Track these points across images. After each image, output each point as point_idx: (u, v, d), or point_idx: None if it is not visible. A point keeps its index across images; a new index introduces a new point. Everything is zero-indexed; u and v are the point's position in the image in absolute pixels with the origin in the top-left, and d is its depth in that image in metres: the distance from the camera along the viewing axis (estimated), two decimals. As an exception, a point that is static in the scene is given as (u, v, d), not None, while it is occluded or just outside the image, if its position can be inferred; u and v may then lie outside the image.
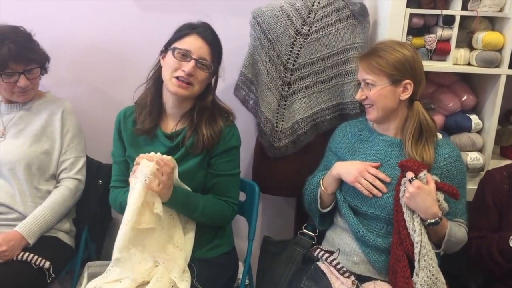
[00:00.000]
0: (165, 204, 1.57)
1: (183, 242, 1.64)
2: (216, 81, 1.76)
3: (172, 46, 1.65)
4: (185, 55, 1.62)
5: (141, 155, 1.53)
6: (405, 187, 1.56)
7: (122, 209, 1.73)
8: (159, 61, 1.71)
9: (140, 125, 1.72)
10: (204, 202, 1.67)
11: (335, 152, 1.82)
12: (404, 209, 1.56)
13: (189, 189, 1.66)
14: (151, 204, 1.53)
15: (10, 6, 2.22)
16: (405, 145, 1.65)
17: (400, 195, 1.58)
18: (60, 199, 1.89)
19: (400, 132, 1.71)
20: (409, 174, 1.55)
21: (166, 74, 1.65)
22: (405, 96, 1.65)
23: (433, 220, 1.54)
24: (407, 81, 1.63)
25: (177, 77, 1.62)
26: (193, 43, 1.63)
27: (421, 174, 1.54)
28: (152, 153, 1.53)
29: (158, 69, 1.72)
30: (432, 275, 1.52)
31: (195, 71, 1.62)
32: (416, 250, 1.52)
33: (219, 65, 1.73)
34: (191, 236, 1.68)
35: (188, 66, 1.60)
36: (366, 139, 1.76)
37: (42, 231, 1.83)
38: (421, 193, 1.52)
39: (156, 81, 1.73)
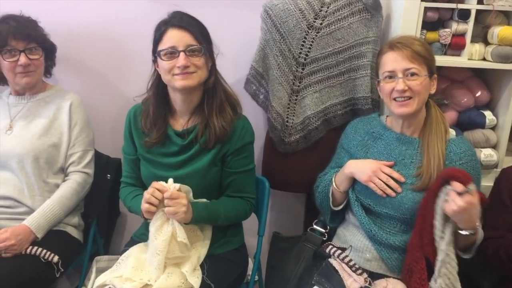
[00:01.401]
0: (189, 223, 1.58)
1: (200, 245, 1.65)
2: (213, 59, 1.69)
3: (157, 51, 1.62)
4: (172, 53, 1.58)
5: (153, 184, 1.53)
6: (448, 196, 1.47)
7: (131, 212, 1.76)
8: (155, 70, 1.68)
9: (148, 138, 1.70)
10: (224, 208, 1.67)
11: (347, 149, 1.79)
12: (438, 216, 1.50)
13: (204, 200, 1.65)
14: (175, 233, 1.53)
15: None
16: (427, 144, 1.62)
17: (439, 202, 1.50)
18: (68, 193, 1.88)
19: (418, 130, 1.67)
20: (459, 187, 1.45)
21: (165, 77, 1.62)
22: (433, 90, 1.61)
23: (472, 231, 1.50)
24: (435, 75, 1.61)
25: (176, 74, 1.59)
26: (173, 37, 1.59)
27: (470, 187, 1.46)
28: (166, 184, 1.53)
29: (156, 78, 1.69)
30: (451, 282, 1.48)
31: (189, 61, 1.58)
32: (440, 257, 1.48)
33: (210, 44, 1.67)
34: (207, 242, 1.68)
35: (180, 60, 1.57)
36: (379, 136, 1.73)
37: (51, 225, 1.82)
38: (471, 208, 1.45)
39: (156, 89, 1.70)
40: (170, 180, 1.55)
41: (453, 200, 1.46)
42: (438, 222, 1.51)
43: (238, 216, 1.74)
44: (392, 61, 1.61)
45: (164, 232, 1.52)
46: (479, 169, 1.67)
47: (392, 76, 1.61)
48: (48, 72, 2.02)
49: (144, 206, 1.52)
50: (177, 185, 1.52)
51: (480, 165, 1.93)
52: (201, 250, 1.64)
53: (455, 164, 1.61)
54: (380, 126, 1.75)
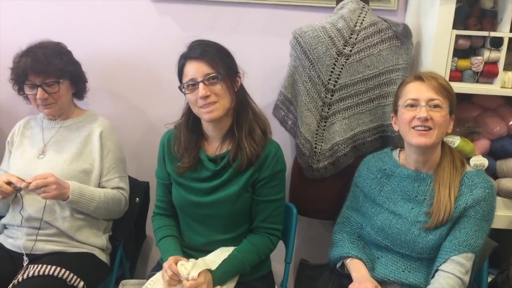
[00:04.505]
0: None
1: (229, 281, 1.65)
2: (235, 81, 1.67)
3: (181, 85, 1.64)
4: (193, 85, 1.59)
5: (171, 267, 1.55)
6: None
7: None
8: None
9: (180, 163, 1.70)
10: (246, 258, 1.66)
11: (361, 188, 1.77)
12: None
13: (223, 257, 1.64)
14: None
15: (51, 26, 2.31)
16: (439, 181, 1.60)
17: None
18: (112, 194, 1.90)
19: (433, 168, 1.64)
20: None
21: (194, 109, 1.65)
22: (450, 130, 1.61)
23: None
24: (453, 115, 1.60)
25: (201, 107, 1.60)
26: (191, 69, 1.60)
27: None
28: (185, 271, 1.52)
29: (188, 106, 1.70)
30: None
31: (208, 90, 1.58)
32: None
33: (231, 67, 1.65)
34: (235, 279, 1.67)
35: (200, 91, 1.57)
36: (391, 174, 1.70)
37: (81, 202, 1.81)
38: None
39: (188, 117, 1.72)
40: (191, 262, 1.56)
41: None
42: None
43: (263, 257, 1.72)
44: (416, 90, 1.59)
45: None
46: (491, 204, 1.59)
47: (414, 104, 1.58)
48: (79, 96, 2.04)
49: (165, 281, 1.57)
50: (195, 275, 1.51)
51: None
52: (229, 285, 1.63)
53: (465, 196, 1.57)
54: (392, 162, 1.72)
